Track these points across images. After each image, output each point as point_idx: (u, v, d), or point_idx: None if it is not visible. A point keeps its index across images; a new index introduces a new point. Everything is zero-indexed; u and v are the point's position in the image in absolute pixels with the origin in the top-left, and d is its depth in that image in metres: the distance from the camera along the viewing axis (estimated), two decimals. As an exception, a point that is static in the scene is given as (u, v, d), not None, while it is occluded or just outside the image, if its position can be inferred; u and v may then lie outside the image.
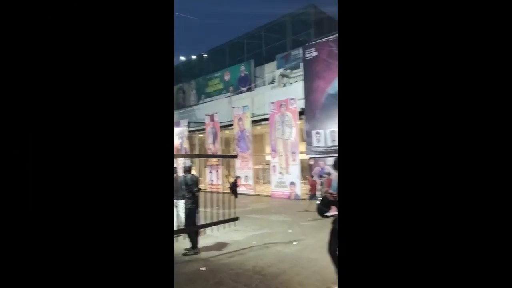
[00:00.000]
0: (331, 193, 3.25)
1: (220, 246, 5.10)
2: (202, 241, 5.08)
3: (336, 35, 11.20)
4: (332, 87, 11.05)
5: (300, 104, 11.96)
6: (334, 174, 4.57)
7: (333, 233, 3.14)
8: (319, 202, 3.99)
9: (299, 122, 12.06)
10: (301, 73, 12.59)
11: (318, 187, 10.55)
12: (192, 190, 4.67)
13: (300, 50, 13.12)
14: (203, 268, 4.00)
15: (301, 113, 12.01)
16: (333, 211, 3.20)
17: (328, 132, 11.04)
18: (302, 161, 12.01)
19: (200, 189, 4.96)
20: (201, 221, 5.10)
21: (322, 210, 3.32)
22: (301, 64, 12.70)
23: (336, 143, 10.74)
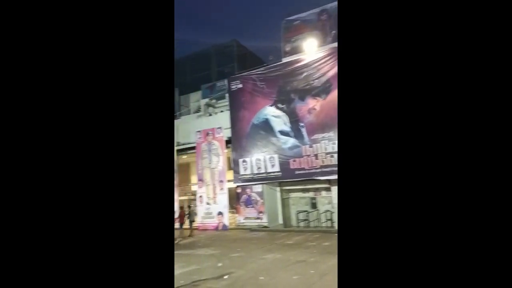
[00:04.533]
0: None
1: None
2: None
3: (259, 70, 12.03)
4: (256, 117, 11.62)
5: (227, 133, 12.15)
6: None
7: None
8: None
9: (226, 150, 12.16)
10: (227, 103, 12.93)
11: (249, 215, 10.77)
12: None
13: (225, 81, 13.56)
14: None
15: (228, 142, 12.17)
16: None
17: (254, 160, 11.38)
18: (229, 190, 11.97)
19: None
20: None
21: None
22: (227, 95, 13.08)
23: (261, 171, 11.20)
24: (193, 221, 10.85)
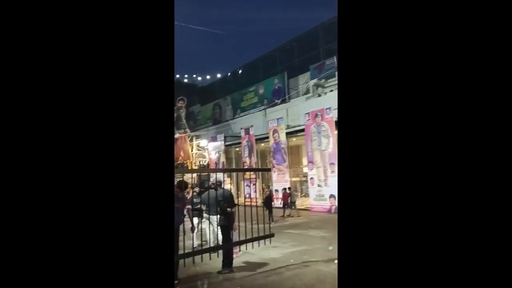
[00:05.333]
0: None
1: (255, 264, 4.90)
2: (237, 259, 4.93)
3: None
4: (370, 93, 10.53)
5: (337, 113, 11.54)
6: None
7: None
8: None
9: (336, 132, 11.60)
10: (336, 82, 12.21)
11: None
12: (222, 206, 4.56)
13: (334, 58, 12.78)
14: (238, 288, 3.84)
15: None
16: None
17: (368, 141, 10.45)
18: (341, 173, 11.45)
19: (236, 204, 4.85)
20: (236, 238, 4.96)
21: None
22: (336, 73, 12.34)
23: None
24: (294, 202, 11.04)
